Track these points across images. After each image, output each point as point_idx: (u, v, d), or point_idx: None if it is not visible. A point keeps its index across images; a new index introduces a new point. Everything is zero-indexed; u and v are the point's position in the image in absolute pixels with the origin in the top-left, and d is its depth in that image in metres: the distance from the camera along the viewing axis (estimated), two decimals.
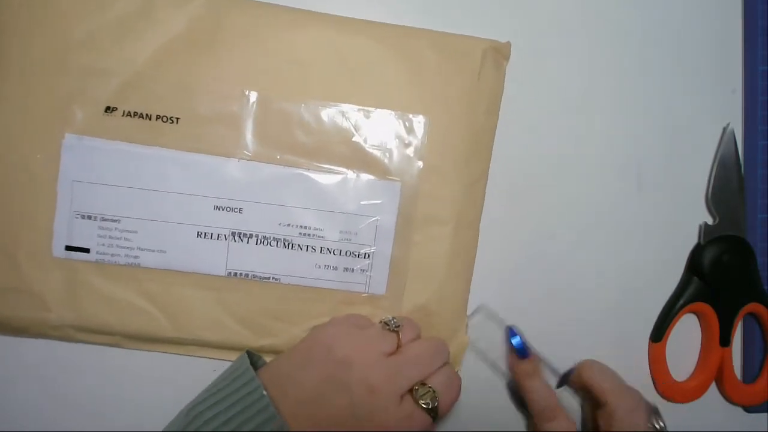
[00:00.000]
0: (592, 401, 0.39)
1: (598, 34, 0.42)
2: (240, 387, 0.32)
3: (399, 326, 0.35)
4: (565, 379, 0.41)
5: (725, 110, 0.43)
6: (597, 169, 0.42)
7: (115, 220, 0.37)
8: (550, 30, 0.42)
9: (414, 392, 0.33)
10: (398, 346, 0.34)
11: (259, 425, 0.31)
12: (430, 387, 0.33)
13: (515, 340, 0.39)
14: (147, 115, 0.37)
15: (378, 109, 0.38)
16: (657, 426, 0.37)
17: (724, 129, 0.43)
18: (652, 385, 0.43)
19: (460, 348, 0.40)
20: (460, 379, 0.35)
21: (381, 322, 0.35)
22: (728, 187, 0.43)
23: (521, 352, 0.39)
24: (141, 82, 0.36)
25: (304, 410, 0.32)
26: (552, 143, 0.42)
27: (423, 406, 0.33)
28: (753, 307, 0.43)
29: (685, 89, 0.43)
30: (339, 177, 0.38)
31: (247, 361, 0.34)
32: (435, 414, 0.33)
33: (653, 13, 0.43)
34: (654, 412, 0.38)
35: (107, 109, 0.36)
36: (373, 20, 0.39)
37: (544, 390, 0.39)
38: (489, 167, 0.40)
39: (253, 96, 0.37)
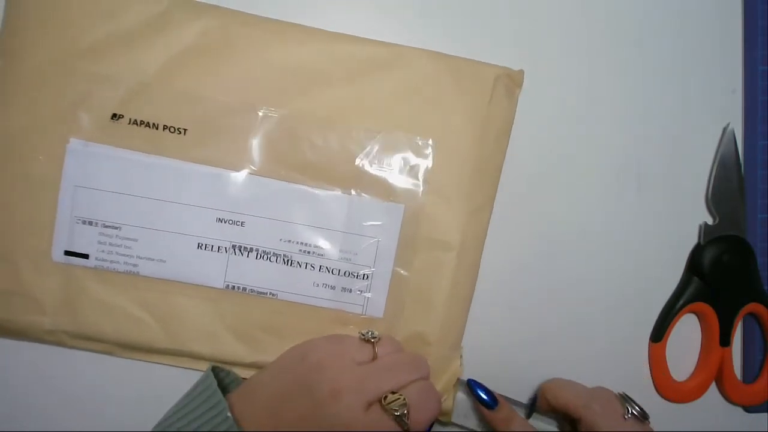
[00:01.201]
0: (567, 419, 0.39)
1: (598, 33, 0.42)
2: (207, 410, 0.32)
3: (376, 338, 0.34)
4: (532, 407, 0.40)
5: (725, 110, 0.43)
6: (597, 170, 0.42)
7: (116, 228, 0.37)
8: (548, 30, 0.42)
9: (383, 400, 0.31)
10: (374, 358, 0.34)
11: None
12: (400, 395, 0.32)
13: (480, 393, 0.38)
14: (154, 124, 0.36)
15: (386, 131, 0.38)
16: (634, 412, 0.36)
17: (724, 129, 0.43)
18: (652, 385, 0.43)
19: (453, 377, 0.39)
20: (438, 395, 0.34)
21: (359, 333, 0.35)
22: (728, 187, 0.43)
23: (489, 402, 0.38)
24: (149, 92, 0.36)
25: (267, 416, 0.31)
26: (552, 143, 0.42)
27: (393, 413, 0.31)
28: (753, 307, 0.43)
29: (685, 89, 0.43)
30: (342, 196, 0.38)
31: (214, 381, 0.33)
32: (405, 425, 0.31)
33: (653, 13, 0.43)
34: (626, 400, 0.37)
35: (114, 116, 0.36)
36: (386, 41, 0.38)
37: (524, 428, 0.37)
38: (495, 193, 0.39)
39: (262, 111, 0.37)
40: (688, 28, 0.43)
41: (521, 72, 0.39)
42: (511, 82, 0.39)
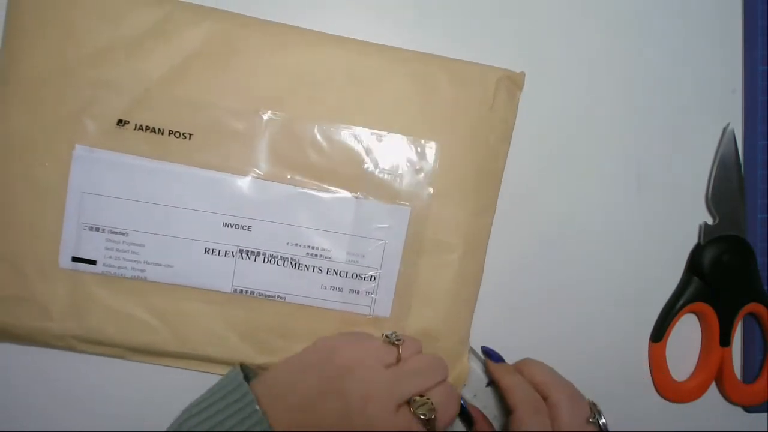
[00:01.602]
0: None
1: (598, 34, 0.42)
2: (233, 402, 0.32)
3: (400, 340, 0.35)
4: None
5: (725, 110, 0.43)
6: (597, 170, 0.42)
7: (122, 233, 0.37)
8: (548, 31, 0.42)
9: (411, 403, 0.33)
10: (399, 360, 0.34)
11: None
12: (428, 399, 0.33)
13: (486, 347, 0.40)
14: (159, 130, 0.36)
15: (390, 134, 0.38)
16: (600, 422, 0.37)
17: (724, 129, 0.43)
18: (652, 385, 0.43)
19: (462, 373, 0.40)
20: (458, 396, 0.35)
21: (383, 335, 0.35)
22: (728, 187, 0.43)
23: (494, 355, 0.40)
24: (154, 97, 0.36)
25: (298, 416, 0.32)
26: (552, 144, 0.42)
27: (420, 417, 0.32)
28: (753, 307, 0.43)
29: (685, 89, 0.43)
30: (349, 199, 0.38)
31: (240, 374, 0.34)
32: (432, 427, 0.32)
33: (653, 13, 0.43)
34: (593, 406, 0.37)
35: (119, 122, 0.36)
36: (389, 44, 0.38)
37: (525, 384, 0.38)
38: (498, 195, 0.40)
39: (267, 115, 0.37)
40: (688, 28, 0.43)
41: (522, 74, 0.39)
42: (512, 84, 0.39)
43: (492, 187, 0.40)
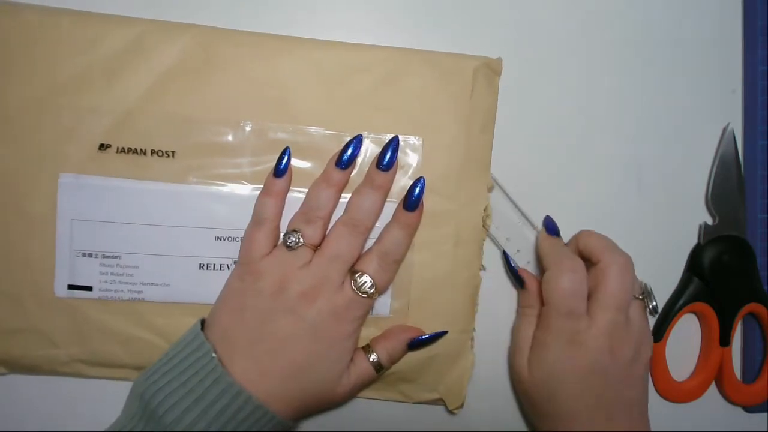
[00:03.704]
0: (586, 265, 0.38)
1: (597, 34, 0.42)
2: (197, 359, 0.33)
3: (299, 241, 0.35)
4: None
5: (725, 110, 0.43)
6: (597, 170, 0.42)
7: (116, 257, 0.37)
8: (548, 30, 0.42)
9: (352, 282, 0.35)
10: (314, 252, 0.35)
11: (221, 392, 0.32)
12: (364, 275, 0.35)
13: (547, 219, 0.40)
14: (141, 150, 0.36)
15: (374, 132, 0.38)
16: (648, 302, 0.37)
17: (724, 129, 0.43)
18: (652, 385, 0.43)
19: (467, 366, 0.40)
20: (392, 259, 0.36)
21: (282, 245, 0.35)
22: (728, 187, 0.43)
23: (551, 228, 0.39)
24: (133, 118, 0.36)
25: (257, 353, 0.33)
26: (552, 144, 0.42)
27: (363, 295, 0.35)
28: (753, 307, 0.43)
29: (685, 89, 0.43)
30: (339, 201, 0.37)
31: (199, 327, 0.35)
32: (377, 294, 0.35)
33: (653, 13, 0.42)
34: (645, 288, 0.37)
35: (101, 146, 0.36)
36: (364, 42, 0.38)
37: (564, 250, 0.38)
38: (488, 183, 0.39)
39: (249, 126, 0.37)
40: (688, 28, 0.43)
41: (499, 60, 0.39)
42: (490, 71, 0.39)
43: (480, 176, 0.39)
